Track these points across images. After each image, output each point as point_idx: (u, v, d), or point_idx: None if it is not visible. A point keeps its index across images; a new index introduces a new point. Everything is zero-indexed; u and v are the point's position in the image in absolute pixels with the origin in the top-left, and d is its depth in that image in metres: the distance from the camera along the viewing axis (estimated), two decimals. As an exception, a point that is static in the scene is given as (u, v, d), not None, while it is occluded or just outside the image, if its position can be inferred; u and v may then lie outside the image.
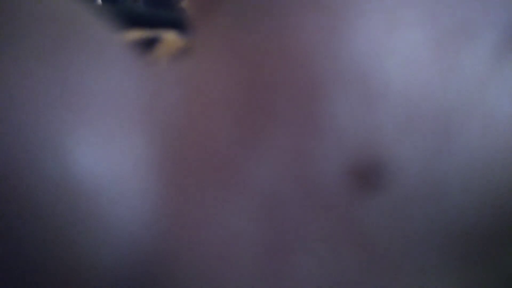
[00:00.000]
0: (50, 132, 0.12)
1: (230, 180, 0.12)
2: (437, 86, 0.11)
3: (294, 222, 0.12)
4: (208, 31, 0.14)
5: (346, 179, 0.11)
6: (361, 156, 0.11)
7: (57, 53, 0.12)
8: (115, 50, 0.14)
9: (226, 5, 0.13)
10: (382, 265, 0.12)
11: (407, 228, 0.11)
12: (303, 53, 0.12)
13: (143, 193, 0.12)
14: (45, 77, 0.12)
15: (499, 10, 0.12)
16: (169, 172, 0.12)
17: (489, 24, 0.12)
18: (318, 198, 0.12)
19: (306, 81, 0.12)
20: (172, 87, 0.13)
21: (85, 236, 0.12)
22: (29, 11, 0.13)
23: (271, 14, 0.12)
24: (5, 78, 0.12)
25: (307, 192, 0.12)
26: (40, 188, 0.11)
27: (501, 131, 0.11)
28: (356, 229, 0.11)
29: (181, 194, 0.12)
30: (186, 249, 0.12)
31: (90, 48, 0.13)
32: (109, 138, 0.12)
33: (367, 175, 0.11)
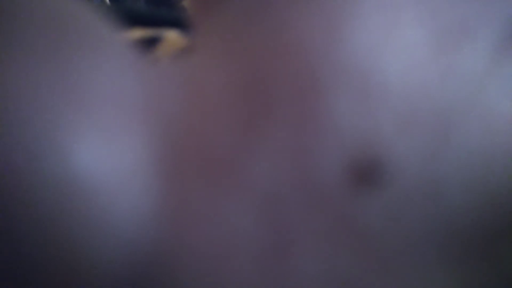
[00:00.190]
0: (50, 131, 0.12)
1: (230, 179, 0.12)
2: (436, 85, 0.11)
3: (293, 221, 0.12)
4: (209, 30, 0.14)
5: (345, 178, 0.11)
6: (360, 155, 0.11)
7: (57, 52, 0.12)
8: (116, 49, 0.14)
9: (227, 5, 0.13)
10: (381, 263, 0.12)
11: (406, 227, 0.11)
12: (302, 52, 0.12)
13: (143, 193, 0.12)
14: (45, 76, 0.12)
15: (498, 9, 0.12)
16: (169, 171, 0.12)
17: (488, 23, 0.12)
18: (318, 197, 0.12)
19: (306, 80, 0.12)
20: (173, 86, 0.13)
21: (85, 236, 0.12)
22: (30, 10, 0.13)
23: (272, 13, 0.12)
24: (5, 78, 0.12)
25: (306, 191, 0.12)
26: (40, 187, 0.11)
27: (500, 130, 0.11)
28: (355, 228, 0.11)
29: (181, 194, 0.12)
30: (186, 248, 0.12)
31: (90, 47, 0.13)
32: (109, 137, 0.12)
33: (367, 174, 0.11)
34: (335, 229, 0.12)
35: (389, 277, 0.12)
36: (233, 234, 0.12)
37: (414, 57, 0.11)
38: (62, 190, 0.11)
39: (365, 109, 0.11)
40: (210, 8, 0.14)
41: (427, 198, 0.11)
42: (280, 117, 0.12)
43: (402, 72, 0.11)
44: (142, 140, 0.13)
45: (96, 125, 0.12)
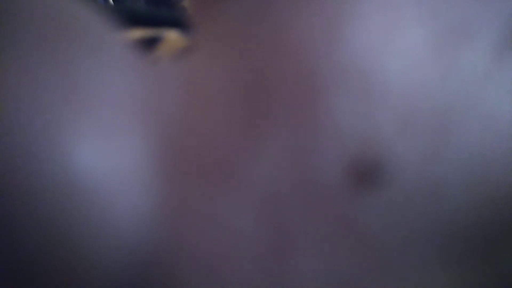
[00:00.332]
0: (50, 131, 0.12)
1: (230, 179, 0.12)
2: (436, 85, 0.11)
3: (293, 221, 0.12)
4: (209, 30, 0.14)
5: (345, 178, 0.11)
6: (360, 155, 0.11)
7: (57, 52, 0.12)
8: (116, 49, 0.14)
9: (226, 5, 0.13)
10: (381, 264, 0.12)
11: (406, 227, 0.11)
12: (303, 52, 0.12)
13: (143, 193, 0.12)
14: (45, 76, 0.12)
15: (498, 9, 0.12)
16: (169, 171, 0.12)
17: (488, 23, 0.12)
18: (318, 197, 0.12)
19: (306, 80, 0.12)
20: (172, 86, 0.13)
21: (84, 236, 0.12)
22: (30, 10, 0.13)
23: (272, 13, 0.12)
24: (5, 78, 0.12)
25: (306, 191, 0.12)
26: (40, 187, 0.11)
27: (500, 131, 0.11)
28: (355, 228, 0.11)
29: (181, 194, 0.12)
30: (186, 248, 0.12)
31: (90, 47, 0.13)
32: (109, 137, 0.12)
33: (366, 174, 0.11)
34: (335, 229, 0.12)
35: (389, 277, 0.12)
36: (233, 234, 0.12)
37: (414, 57, 0.11)
38: (62, 190, 0.11)
39: (365, 109, 0.11)
40: (210, 8, 0.14)
41: (427, 198, 0.11)
42: (280, 117, 0.12)
43: (402, 72, 0.11)
44: (142, 140, 0.13)
45: (96, 125, 0.12)
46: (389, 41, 0.12)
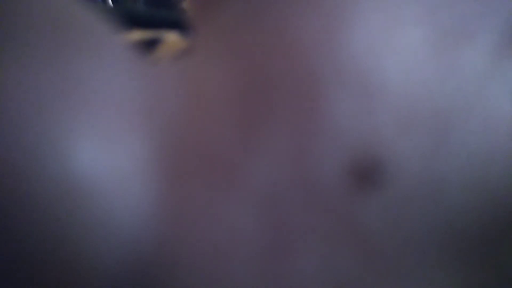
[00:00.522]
0: (50, 132, 0.12)
1: (229, 180, 0.12)
2: (436, 85, 0.11)
3: (293, 222, 0.12)
4: (209, 31, 0.14)
5: (345, 178, 0.11)
6: (360, 155, 0.11)
7: (57, 53, 0.12)
8: (116, 50, 0.14)
9: (226, 6, 0.13)
10: (381, 264, 0.12)
11: (406, 226, 0.11)
12: (302, 52, 0.12)
13: (143, 193, 0.12)
14: (45, 77, 0.12)
15: (498, 9, 0.12)
16: (169, 171, 0.12)
17: (488, 24, 0.12)
18: (318, 197, 0.12)
19: (305, 80, 0.12)
20: (172, 87, 0.13)
21: (84, 236, 0.12)
22: (30, 11, 0.13)
23: (271, 14, 0.12)
24: (5, 79, 0.12)
25: (306, 191, 0.12)
26: (40, 187, 0.11)
27: (500, 130, 0.11)
28: (355, 228, 0.11)
29: (181, 194, 0.12)
30: (186, 248, 0.12)
31: (90, 48, 0.13)
32: (109, 138, 0.12)
33: (366, 174, 0.11)
34: (335, 229, 0.12)
35: (389, 277, 0.12)
36: (232, 234, 0.12)
37: (414, 57, 0.11)
38: (62, 190, 0.11)
39: (365, 108, 0.11)
40: (210, 9, 0.14)
41: (427, 198, 0.11)
42: (280, 117, 0.12)
43: (402, 72, 0.11)
44: (142, 141, 0.13)
45: (96, 125, 0.12)
46: (389, 41, 0.12)
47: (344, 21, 0.12)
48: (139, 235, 0.12)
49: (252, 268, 0.12)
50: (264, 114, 0.12)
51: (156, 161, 0.12)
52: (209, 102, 0.13)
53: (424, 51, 0.12)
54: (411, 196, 0.11)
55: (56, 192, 0.11)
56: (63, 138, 0.12)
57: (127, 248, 0.12)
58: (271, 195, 0.12)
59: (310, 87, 0.12)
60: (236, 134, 0.12)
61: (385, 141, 0.11)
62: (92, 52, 0.13)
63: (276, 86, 0.12)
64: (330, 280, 0.12)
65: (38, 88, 0.12)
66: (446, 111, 0.11)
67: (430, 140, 0.11)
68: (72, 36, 0.13)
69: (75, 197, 0.12)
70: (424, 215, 0.11)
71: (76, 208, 0.12)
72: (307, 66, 0.12)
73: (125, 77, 0.13)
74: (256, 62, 0.12)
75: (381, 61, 0.11)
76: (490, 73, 0.11)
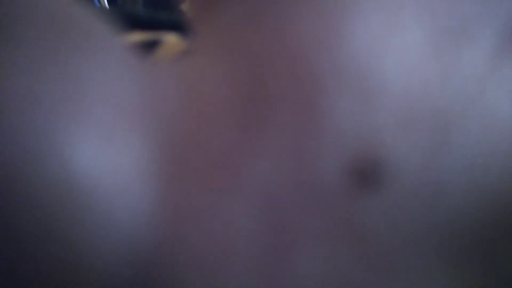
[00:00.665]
0: (50, 133, 0.12)
1: (229, 180, 0.12)
2: (436, 85, 0.11)
3: (293, 222, 0.12)
4: (208, 32, 0.14)
5: (345, 178, 0.11)
6: (360, 155, 0.11)
7: (57, 54, 0.13)
8: (115, 51, 0.14)
9: (225, 7, 0.13)
10: (381, 264, 0.12)
11: (407, 227, 0.11)
12: (302, 53, 0.12)
13: (142, 193, 0.12)
14: (44, 78, 0.12)
15: (498, 10, 0.12)
16: (169, 172, 0.12)
17: (488, 24, 0.12)
18: (318, 198, 0.12)
19: (305, 80, 0.12)
20: (172, 88, 0.13)
21: (84, 237, 0.12)
22: (30, 12, 0.13)
23: (271, 14, 0.12)
24: (4, 79, 0.12)
25: (306, 192, 0.12)
26: (40, 187, 0.11)
27: (500, 131, 0.11)
28: (355, 228, 0.11)
29: (181, 194, 0.12)
30: (186, 249, 0.12)
31: (90, 49, 0.13)
32: (108, 139, 0.12)
33: (366, 174, 0.11)
34: (335, 230, 0.12)
35: (389, 278, 0.12)
36: (232, 235, 0.12)
37: (414, 57, 0.11)
38: (61, 191, 0.11)
39: (365, 109, 0.11)
40: (209, 10, 0.14)
41: (427, 199, 0.11)
42: (280, 117, 0.12)
43: (402, 72, 0.11)
44: (142, 141, 0.13)
45: (96, 126, 0.12)
46: (389, 42, 0.12)
47: (344, 21, 0.12)
48: (139, 235, 0.12)
49: (252, 268, 0.12)
50: (264, 114, 0.12)
51: (156, 161, 0.12)
52: (208, 103, 0.13)
53: (424, 51, 0.12)
54: (411, 196, 0.11)
55: (55, 192, 0.11)
56: (62, 138, 0.12)
57: (127, 248, 0.12)
58: (271, 195, 0.12)
59: (310, 88, 0.12)
60: (236, 134, 0.12)
61: (385, 141, 0.11)
62: (92, 53, 0.13)
63: (275, 87, 0.12)
64: (330, 281, 0.12)
65: (37, 88, 0.12)
66: (446, 111, 0.11)
67: (430, 140, 0.11)
68: (72, 37, 0.13)
69: (75, 197, 0.12)
70: (424, 215, 0.11)
71: (76, 208, 0.12)
72: (307, 66, 0.12)
73: (125, 77, 0.13)
74: (255, 62, 0.12)
75: (381, 61, 0.11)
76: (490, 74, 0.11)
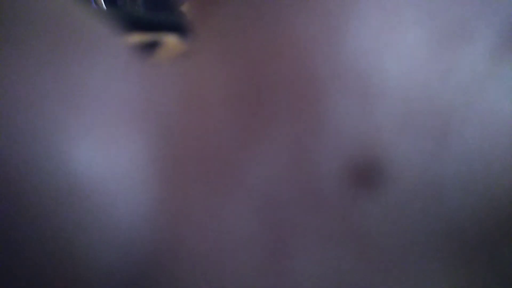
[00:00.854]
0: (48, 133, 0.12)
1: (228, 181, 0.12)
2: (436, 86, 0.11)
3: (293, 222, 0.12)
4: (208, 33, 0.14)
5: (344, 179, 0.11)
6: (359, 155, 0.11)
7: (56, 54, 0.13)
8: (114, 52, 0.14)
9: (225, 8, 0.13)
10: (381, 265, 0.12)
11: (406, 228, 0.11)
12: (301, 53, 0.12)
13: (141, 194, 0.12)
14: (43, 79, 0.12)
15: (497, 10, 0.12)
16: (168, 171, 0.12)
17: (487, 24, 0.12)
18: (317, 198, 0.12)
19: (304, 81, 0.12)
20: (172, 89, 0.13)
21: (83, 237, 0.12)
22: (30, 13, 0.13)
23: (270, 15, 0.12)
24: (3, 80, 0.12)
25: (305, 192, 0.12)
26: (38, 187, 0.11)
27: (500, 131, 0.11)
28: (355, 229, 0.11)
29: (180, 194, 0.12)
30: (185, 249, 0.12)
31: (89, 50, 0.13)
32: (107, 139, 0.12)
33: (366, 175, 0.11)
34: (334, 231, 0.12)
35: (388, 279, 0.12)
36: (231, 235, 0.12)
37: (414, 58, 0.11)
38: (60, 191, 0.11)
39: (364, 110, 0.11)
40: (209, 12, 0.14)
41: (427, 199, 0.11)
42: (279, 118, 0.12)
43: (402, 73, 0.11)
44: (141, 141, 0.13)
45: (94, 127, 0.12)
46: (389, 42, 0.12)
47: (343, 22, 0.12)
48: (138, 235, 0.12)
49: (251, 268, 0.12)
50: (263, 115, 0.12)
51: (155, 162, 0.13)
52: (208, 103, 0.13)
53: (423, 51, 0.12)
54: (411, 197, 0.11)
55: (54, 192, 0.11)
56: (62, 139, 0.12)
57: (126, 248, 0.12)
58: (271, 196, 0.12)
59: (310, 88, 0.12)
60: (235, 135, 0.12)
61: (385, 141, 0.11)
62: (92, 54, 0.13)
63: (275, 87, 0.12)
64: (329, 281, 0.12)
65: (37, 89, 0.12)
66: (446, 112, 0.11)
67: (429, 140, 0.11)
68: (72, 38, 0.13)
69: (74, 197, 0.12)
70: (424, 215, 0.11)
71: (75, 208, 0.12)
72: (306, 67, 0.12)
73: (125, 78, 0.13)
74: (255, 63, 0.12)
75: (381, 62, 0.11)
76: (490, 74, 0.11)
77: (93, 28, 0.14)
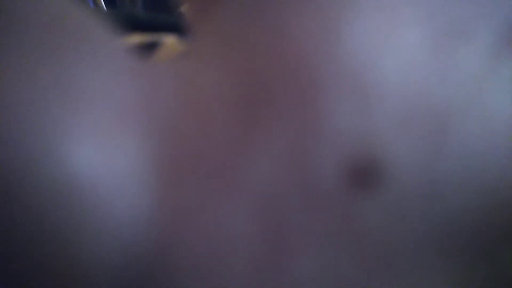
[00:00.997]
0: (47, 134, 0.12)
1: (227, 181, 0.12)
2: (434, 86, 0.11)
3: (291, 222, 0.12)
4: (207, 34, 0.14)
5: (343, 178, 0.11)
6: (358, 155, 0.11)
7: (55, 55, 0.13)
8: (113, 52, 0.14)
9: (224, 9, 0.14)
10: (380, 265, 0.12)
11: (404, 227, 0.11)
12: (300, 54, 0.12)
13: (140, 194, 0.12)
14: (43, 79, 0.12)
15: (495, 10, 0.12)
16: (167, 171, 0.12)
17: (486, 24, 0.12)
18: (316, 198, 0.12)
19: (303, 81, 0.12)
20: (170, 89, 0.13)
21: (81, 237, 0.12)
22: (28, 13, 0.13)
23: (269, 15, 0.12)
24: (2, 80, 0.12)
25: (304, 192, 0.12)
26: (37, 187, 0.11)
27: (498, 131, 0.11)
28: (353, 228, 0.11)
29: (179, 194, 0.12)
30: (184, 248, 0.12)
31: (88, 50, 0.13)
32: (106, 140, 0.12)
33: (365, 175, 0.11)
34: (333, 230, 0.12)
35: (388, 278, 0.12)
36: (230, 235, 0.12)
37: (412, 57, 0.11)
38: (60, 191, 0.11)
39: (363, 110, 0.11)
40: (208, 12, 0.14)
41: (426, 199, 0.11)
42: (278, 118, 0.12)
43: (400, 73, 0.11)
44: (140, 141, 0.13)
45: (94, 127, 0.12)
46: (387, 42, 0.12)
47: (342, 21, 0.12)
48: (137, 235, 0.12)
49: (251, 269, 0.12)
50: (262, 115, 0.12)
51: (154, 162, 0.12)
52: (206, 104, 0.13)
53: (422, 51, 0.12)
54: (410, 196, 0.11)
55: (53, 193, 0.11)
56: (61, 140, 0.12)
57: (125, 248, 0.12)
58: (270, 196, 0.12)
59: (308, 88, 0.12)
60: (234, 135, 0.12)
61: (383, 141, 0.11)
62: (91, 54, 0.13)
63: (274, 88, 0.12)
64: (328, 281, 0.12)
65: (36, 89, 0.12)
66: (444, 111, 0.11)
67: (428, 140, 0.11)
68: (71, 38, 0.13)
69: (72, 197, 0.11)
70: (423, 215, 0.11)
71: (73, 209, 0.12)
72: (305, 67, 0.12)
73: (124, 79, 0.13)
74: (254, 64, 0.12)
75: (379, 62, 0.11)
76: (488, 74, 0.11)
77: (93, 29, 0.14)
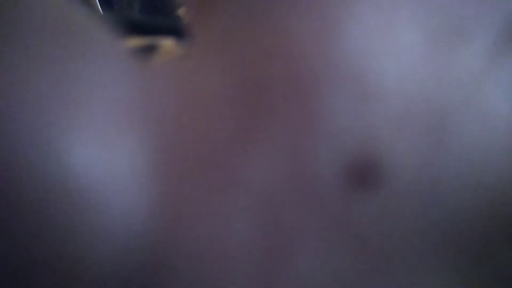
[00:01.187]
0: (47, 134, 0.12)
1: (226, 181, 0.12)
2: (433, 85, 0.11)
3: (290, 222, 0.12)
4: (205, 37, 0.14)
5: (342, 178, 0.11)
6: (357, 155, 0.11)
7: (54, 55, 0.13)
8: (112, 53, 0.14)
9: (222, 11, 0.14)
10: (378, 264, 0.12)
11: (403, 226, 0.11)
12: (298, 53, 0.12)
13: (139, 194, 0.12)
14: (42, 79, 0.12)
15: (494, 10, 0.12)
16: (166, 171, 0.12)
17: (484, 24, 0.12)
18: (314, 198, 0.12)
19: (301, 82, 0.12)
20: (168, 91, 0.13)
21: (80, 237, 0.12)
22: (28, 14, 0.13)
23: (267, 17, 0.12)
24: (2, 80, 0.12)
25: (303, 192, 0.12)
26: (37, 187, 0.11)
27: (497, 130, 0.11)
28: (352, 228, 0.11)
29: (178, 194, 0.12)
30: (183, 248, 0.12)
31: (87, 51, 0.13)
32: (106, 140, 0.12)
33: (363, 175, 0.11)
34: (331, 230, 0.12)
35: (386, 278, 0.12)
36: (229, 235, 0.12)
37: (411, 58, 0.11)
38: (58, 191, 0.11)
39: (361, 110, 0.11)
40: (205, 15, 0.14)
41: (424, 199, 0.11)
42: (277, 118, 0.12)
43: (399, 73, 0.11)
44: (139, 142, 0.13)
45: (92, 128, 0.12)
46: (385, 42, 0.12)
47: (340, 22, 0.12)
48: (135, 236, 0.12)
49: (250, 268, 0.12)
50: (261, 116, 0.12)
51: (152, 163, 0.12)
52: (205, 104, 0.13)
53: (420, 51, 0.11)
54: (408, 196, 0.11)
55: (52, 193, 0.11)
56: (59, 140, 0.12)
57: (124, 248, 0.12)
58: (269, 196, 0.12)
59: (306, 88, 0.12)
60: (233, 135, 0.12)
61: (382, 141, 0.11)
62: (90, 56, 0.13)
63: (272, 88, 0.12)
64: (327, 280, 0.12)
65: (35, 89, 0.12)
66: (443, 111, 0.11)
67: (426, 140, 0.11)
68: (70, 40, 0.13)
69: (71, 198, 0.11)
70: (421, 214, 0.11)
71: (73, 209, 0.11)
72: (302, 67, 0.12)
73: (122, 80, 0.13)
74: (252, 65, 0.12)
75: (377, 62, 0.11)
76: (486, 74, 0.11)
77: (91, 31, 0.14)
